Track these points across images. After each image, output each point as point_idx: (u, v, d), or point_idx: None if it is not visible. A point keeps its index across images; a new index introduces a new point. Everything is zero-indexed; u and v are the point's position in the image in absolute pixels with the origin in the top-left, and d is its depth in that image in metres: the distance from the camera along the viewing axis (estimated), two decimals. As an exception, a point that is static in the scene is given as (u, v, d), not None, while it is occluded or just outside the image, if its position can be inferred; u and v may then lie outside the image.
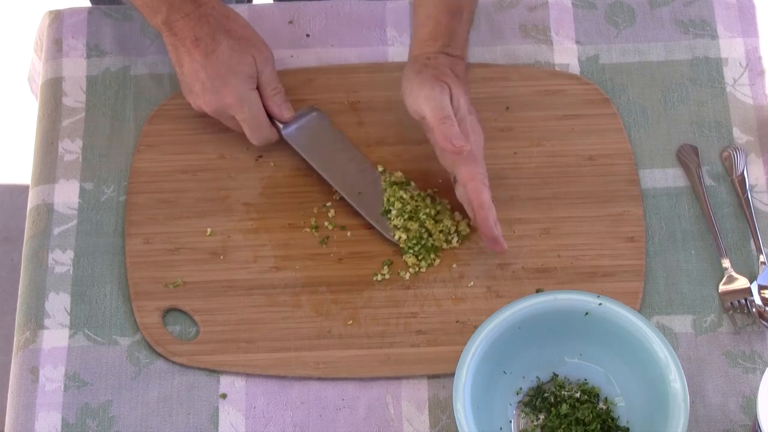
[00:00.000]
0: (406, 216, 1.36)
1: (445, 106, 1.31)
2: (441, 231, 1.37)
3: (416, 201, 1.38)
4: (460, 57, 1.37)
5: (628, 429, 1.28)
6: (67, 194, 1.42)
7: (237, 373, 1.32)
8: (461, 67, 1.36)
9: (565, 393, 1.29)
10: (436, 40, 1.36)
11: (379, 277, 1.36)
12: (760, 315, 1.33)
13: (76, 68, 1.49)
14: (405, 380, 1.32)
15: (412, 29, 1.42)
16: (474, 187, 1.31)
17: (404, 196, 1.37)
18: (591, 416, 1.27)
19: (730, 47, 1.49)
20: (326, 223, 1.39)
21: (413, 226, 1.36)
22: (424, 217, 1.36)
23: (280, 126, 1.41)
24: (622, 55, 1.49)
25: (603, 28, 1.51)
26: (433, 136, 1.32)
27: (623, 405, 1.29)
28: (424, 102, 1.31)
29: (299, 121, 1.42)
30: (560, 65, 1.49)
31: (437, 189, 1.40)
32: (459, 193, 1.34)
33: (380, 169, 1.41)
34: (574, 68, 1.48)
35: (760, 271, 1.36)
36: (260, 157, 1.43)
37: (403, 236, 1.36)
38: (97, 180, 1.43)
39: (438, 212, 1.38)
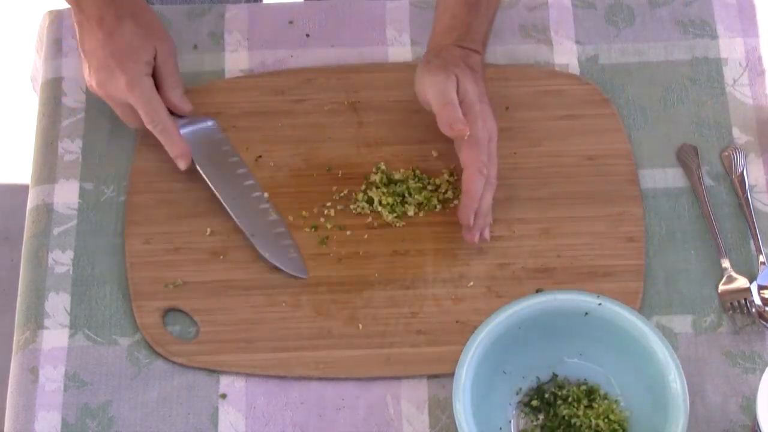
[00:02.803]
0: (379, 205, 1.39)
1: (447, 91, 1.32)
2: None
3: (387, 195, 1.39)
4: (475, 50, 1.37)
5: (628, 429, 1.28)
6: (67, 194, 1.42)
7: (237, 373, 1.32)
8: (474, 59, 1.37)
9: (565, 393, 1.29)
10: (451, 32, 1.37)
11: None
12: (760, 315, 1.33)
13: (76, 68, 1.49)
14: (405, 380, 1.32)
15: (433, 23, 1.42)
16: (468, 173, 1.32)
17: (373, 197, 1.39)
18: (591, 416, 1.27)
19: (730, 47, 1.49)
20: (326, 223, 1.39)
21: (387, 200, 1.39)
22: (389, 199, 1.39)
23: (178, 123, 1.40)
24: (621, 55, 1.49)
25: (603, 28, 1.51)
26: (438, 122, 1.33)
27: (623, 405, 1.29)
28: (429, 88, 1.33)
29: (195, 125, 1.42)
30: (560, 65, 1.49)
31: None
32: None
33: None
34: (574, 68, 1.48)
35: (760, 271, 1.36)
36: (260, 157, 1.43)
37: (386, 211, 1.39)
38: (97, 180, 1.43)
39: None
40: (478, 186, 1.32)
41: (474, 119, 1.33)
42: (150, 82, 1.38)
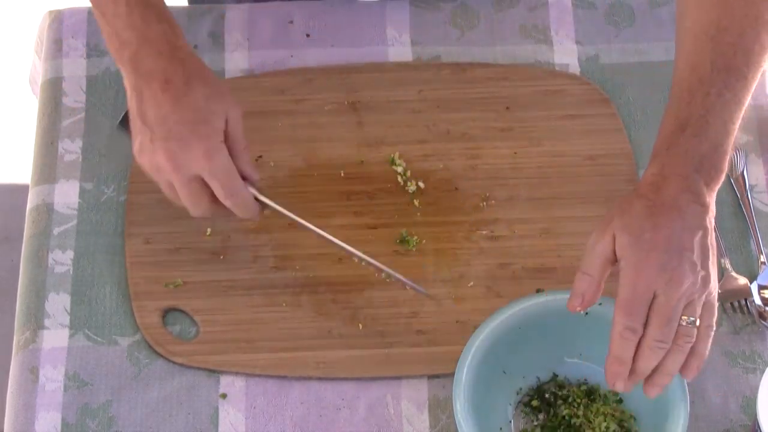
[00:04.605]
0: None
1: (589, 256, 1.17)
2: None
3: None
4: (679, 174, 1.15)
5: (627, 429, 1.28)
6: (67, 194, 1.42)
7: (237, 373, 1.32)
8: (670, 190, 1.15)
9: (565, 393, 1.29)
10: (654, 156, 1.19)
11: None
12: (760, 315, 1.33)
13: (76, 68, 1.49)
14: (405, 380, 1.32)
15: None
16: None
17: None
18: (591, 416, 1.27)
19: (730, 47, 1.48)
20: (326, 223, 1.39)
21: None
22: None
23: (252, 191, 1.28)
24: (622, 55, 1.49)
25: (603, 28, 1.51)
26: None
27: (623, 405, 1.29)
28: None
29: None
30: (560, 65, 1.49)
31: None
32: None
33: None
34: (574, 68, 1.48)
35: (760, 271, 1.36)
36: (260, 157, 1.43)
37: None
38: (97, 180, 1.43)
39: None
40: (622, 350, 1.14)
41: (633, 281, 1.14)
42: (226, 150, 1.24)
